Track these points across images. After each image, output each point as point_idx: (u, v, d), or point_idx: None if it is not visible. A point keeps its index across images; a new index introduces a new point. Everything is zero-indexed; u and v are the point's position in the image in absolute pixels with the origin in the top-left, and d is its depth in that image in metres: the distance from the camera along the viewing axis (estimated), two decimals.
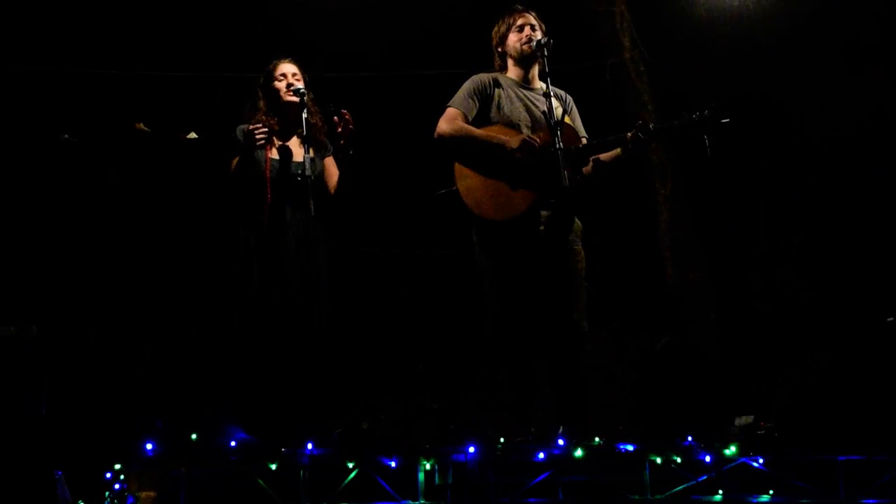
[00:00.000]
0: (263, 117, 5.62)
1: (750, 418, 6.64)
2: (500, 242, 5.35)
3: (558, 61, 5.56)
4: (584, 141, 5.54)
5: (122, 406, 6.62)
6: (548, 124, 5.30)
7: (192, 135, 6.35)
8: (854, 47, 8.58)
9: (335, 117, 5.50)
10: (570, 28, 5.71)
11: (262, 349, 5.32)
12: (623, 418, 7.45)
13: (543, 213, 5.35)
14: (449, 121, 5.48)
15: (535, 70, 5.60)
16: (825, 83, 8.71)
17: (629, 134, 5.27)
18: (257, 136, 5.40)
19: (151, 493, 4.40)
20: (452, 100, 5.55)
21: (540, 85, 5.57)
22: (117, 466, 4.73)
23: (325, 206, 5.68)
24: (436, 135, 5.49)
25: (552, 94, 5.46)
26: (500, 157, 5.31)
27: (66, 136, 6.60)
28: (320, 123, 5.75)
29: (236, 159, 5.58)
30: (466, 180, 5.37)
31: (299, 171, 5.46)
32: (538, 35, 5.54)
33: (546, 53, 5.39)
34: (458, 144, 5.43)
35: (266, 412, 5.25)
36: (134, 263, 7.68)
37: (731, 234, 9.06)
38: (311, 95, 5.73)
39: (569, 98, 5.75)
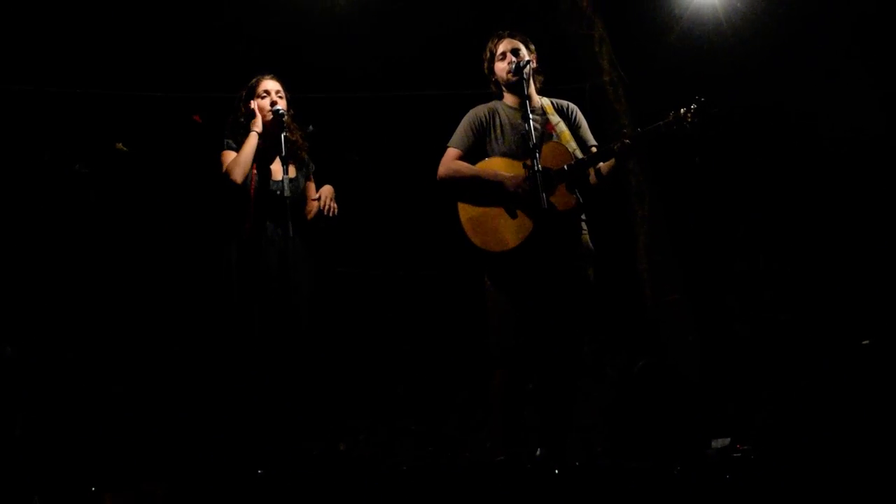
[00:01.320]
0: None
1: (727, 440, 6.66)
2: (504, 271, 5.37)
3: (542, 82, 5.60)
4: (594, 150, 5.52)
5: (101, 426, 6.59)
6: (526, 148, 5.31)
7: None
8: (833, 68, 8.63)
9: (315, 200, 5.60)
10: (550, 51, 5.71)
11: (241, 366, 5.32)
12: (601, 440, 7.45)
13: (548, 237, 5.33)
14: (446, 163, 5.53)
15: (531, 90, 5.61)
16: (803, 104, 8.77)
17: (616, 145, 5.26)
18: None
19: None
20: (451, 139, 5.60)
21: (541, 103, 5.60)
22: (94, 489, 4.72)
23: (305, 226, 5.70)
24: (437, 177, 5.55)
25: (555, 107, 5.52)
26: (498, 191, 5.36)
27: (46, 156, 6.60)
28: (301, 141, 5.77)
29: (228, 153, 5.58)
30: (468, 216, 5.42)
31: (277, 190, 5.48)
32: (524, 57, 5.55)
33: (527, 75, 5.41)
34: (457, 184, 5.48)
35: (244, 431, 5.24)
36: (113, 282, 7.66)
37: (709, 255, 9.08)
38: (292, 112, 5.76)
39: (572, 109, 5.72)
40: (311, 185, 5.83)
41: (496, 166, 5.43)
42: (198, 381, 6.90)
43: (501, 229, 5.34)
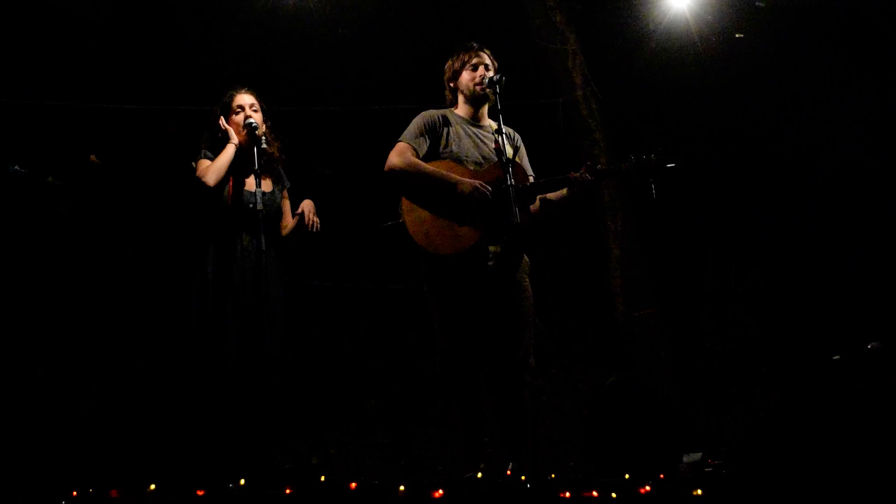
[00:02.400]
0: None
1: (698, 455, 6.67)
2: (447, 277, 5.36)
3: (510, 98, 5.59)
4: (532, 179, 5.57)
5: (70, 441, 6.55)
6: (500, 161, 5.33)
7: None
8: (805, 83, 8.70)
9: (297, 215, 5.62)
10: (523, 65, 5.73)
11: (214, 379, 5.30)
12: (573, 454, 7.47)
13: (492, 248, 5.37)
14: (399, 154, 5.48)
15: (485, 109, 5.63)
16: (775, 117, 8.84)
17: (575, 174, 5.31)
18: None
19: None
20: (403, 134, 5.55)
21: (489, 123, 5.62)
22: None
23: (278, 240, 5.70)
24: (386, 168, 5.49)
25: (502, 131, 5.52)
26: (448, 193, 5.34)
27: (17, 167, 6.55)
28: (277, 153, 5.77)
29: (203, 161, 5.56)
30: (414, 214, 5.37)
31: (251, 203, 5.48)
32: (491, 74, 5.57)
33: (499, 91, 5.43)
34: (408, 178, 5.43)
35: (214, 445, 5.22)
36: (85, 295, 7.62)
37: (681, 270, 9.12)
38: (269, 124, 5.76)
39: (517, 137, 5.76)
40: (286, 202, 5.83)
41: (445, 169, 5.43)
42: (170, 394, 6.87)
43: (446, 232, 5.33)
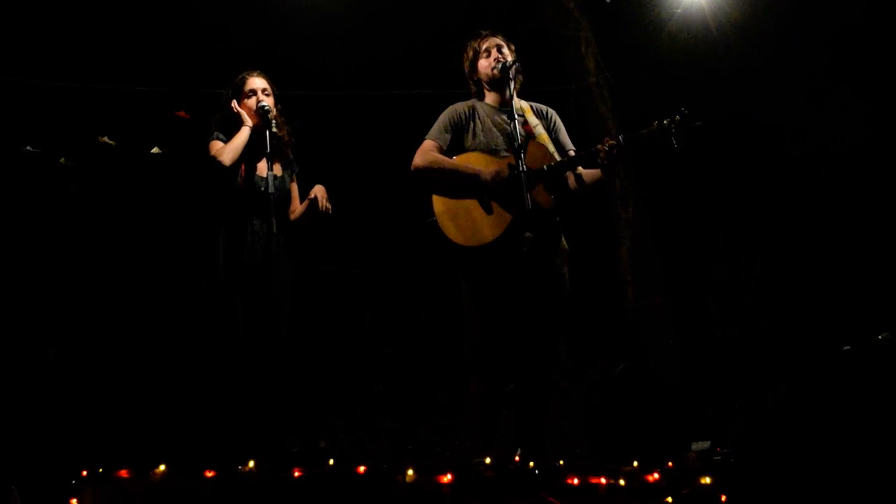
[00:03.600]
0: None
1: (706, 444, 6.67)
2: (480, 268, 5.35)
3: (523, 85, 5.58)
4: (572, 154, 5.54)
5: (79, 421, 6.56)
6: (512, 147, 5.30)
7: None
8: (818, 75, 8.67)
9: (310, 198, 5.61)
10: (536, 52, 5.72)
11: (224, 362, 5.31)
12: (581, 442, 7.46)
13: (527, 234, 5.31)
14: (423, 153, 5.50)
15: (513, 91, 5.59)
16: (788, 108, 8.81)
17: (600, 147, 5.23)
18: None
19: None
20: (430, 132, 5.58)
21: (519, 105, 5.59)
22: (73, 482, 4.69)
23: (286, 225, 5.70)
24: (411, 167, 5.51)
25: (534, 111, 5.51)
26: (473, 184, 5.34)
27: (29, 147, 6.56)
28: (287, 137, 5.77)
29: (216, 143, 5.56)
30: (443, 209, 5.38)
31: (262, 186, 5.48)
32: (507, 56, 5.55)
33: (513, 75, 5.41)
34: (432, 175, 5.45)
35: (223, 427, 5.22)
36: (94, 277, 7.62)
37: (692, 259, 9.11)
38: (280, 108, 5.75)
39: (550, 113, 5.71)
40: (294, 186, 5.83)
41: (473, 161, 5.42)
42: (180, 376, 6.88)
43: (478, 223, 5.32)
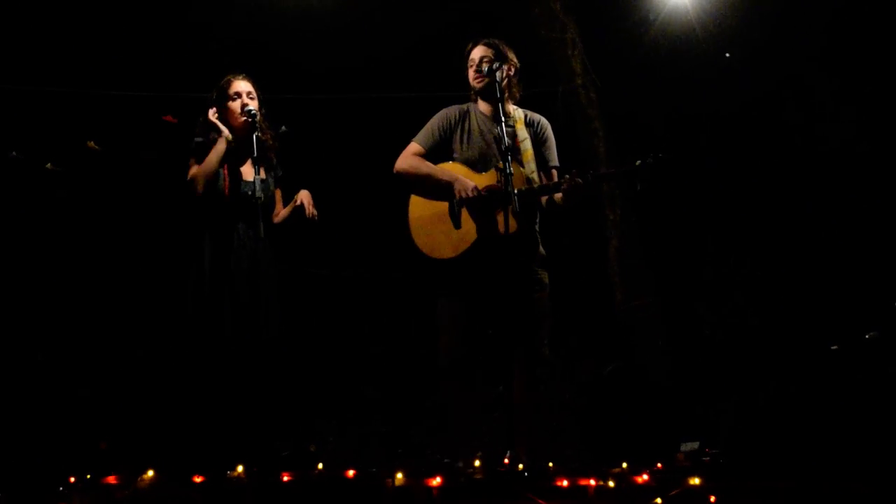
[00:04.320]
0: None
1: (696, 444, 6.68)
2: (445, 278, 5.39)
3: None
4: (554, 171, 5.57)
5: (67, 427, 6.55)
6: (488, 158, 5.36)
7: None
8: (804, 72, 8.68)
9: (296, 204, 5.62)
10: (522, 54, 5.71)
11: (211, 366, 5.31)
12: (571, 443, 7.46)
13: (494, 248, 5.31)
14: (405, 157, 5.56)
15: (505, 96, 5.54)
16: (773, 108, 8.82)
17: (565, 185, 5.26)
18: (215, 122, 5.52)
19: None
20: (417, 134, 5.60)
21: (514, 114, 5.60)
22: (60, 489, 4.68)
23: (271, 229, 5.69)
24: (394, 170, 5.55)
25: (525, 121, 5.54)
26: (447, 193, 5.37)
27: (15, 153, 6.54)
28: (271, 141, 5.76)
29: (192, 165, 5.55)
30: (417, 214, 5.42)
31: (249, 191, 5.47)
32: (490, 62, 5.55)
33: (499, 78, 5.41)
34: (412, 180, 5.50)
35: (211, 432, 5.22)
36: (83, 282, 7.61)
37: (680, 260, 9.11)
38: (264, 111, 5.74)
39: (542, 125, 5.73)
40: (278, 190, 5.82)
41: (455, 171, 5.44)
42: (167, 381, 6.86)
43: (442, 238, 5.37)
